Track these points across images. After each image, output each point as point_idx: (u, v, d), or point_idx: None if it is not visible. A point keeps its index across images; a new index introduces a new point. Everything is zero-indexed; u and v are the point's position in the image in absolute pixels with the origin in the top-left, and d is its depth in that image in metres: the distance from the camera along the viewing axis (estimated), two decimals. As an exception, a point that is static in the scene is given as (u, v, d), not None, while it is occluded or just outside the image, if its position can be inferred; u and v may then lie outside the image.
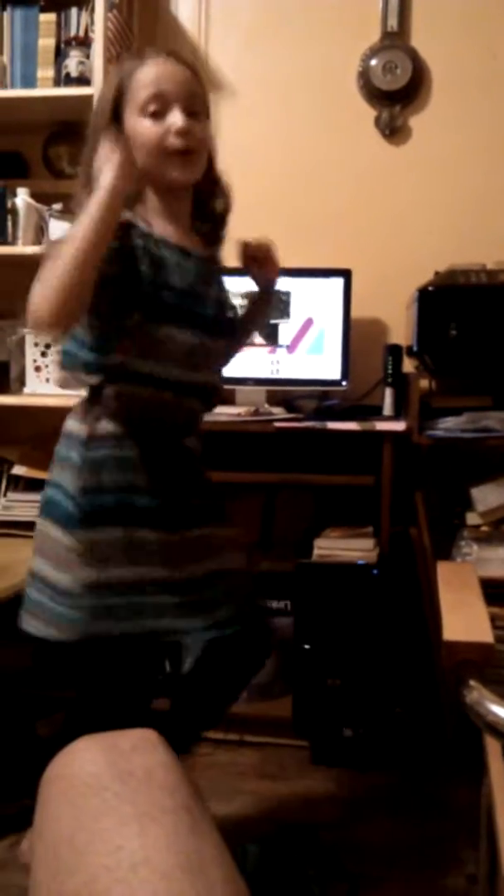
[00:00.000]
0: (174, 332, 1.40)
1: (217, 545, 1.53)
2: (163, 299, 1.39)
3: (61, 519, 1.43)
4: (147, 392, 1.43)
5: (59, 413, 2.02)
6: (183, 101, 1.37)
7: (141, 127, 1.38)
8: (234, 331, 1.59)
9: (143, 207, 1.45)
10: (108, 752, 0.76)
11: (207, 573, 1.49)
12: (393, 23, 2.43)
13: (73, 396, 1.62)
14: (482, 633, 1.09)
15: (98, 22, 2.23)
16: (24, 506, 2.34)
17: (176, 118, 1.36)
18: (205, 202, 1.51)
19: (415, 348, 2.12)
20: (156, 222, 1.43)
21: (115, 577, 1.40)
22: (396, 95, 2.44)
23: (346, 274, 2.32)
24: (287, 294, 2.31)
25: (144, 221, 1.42)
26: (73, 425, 1.48)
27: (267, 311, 1.74)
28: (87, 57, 2.30)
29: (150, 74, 1.37)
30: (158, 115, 1.37)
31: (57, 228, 2.37)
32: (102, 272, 1.28)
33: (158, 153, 1.38)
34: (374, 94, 2.46)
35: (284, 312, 2.32)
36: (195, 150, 1.39)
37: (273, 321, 2.30)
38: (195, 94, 1.39)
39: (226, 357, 1.60)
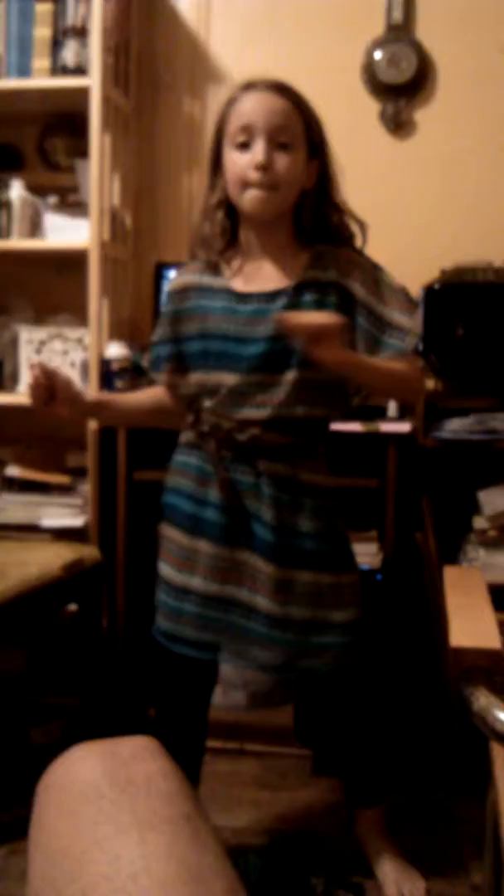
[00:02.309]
0: (201, 376, 1.47)
1: (308, 591, 1.48)
2: (192, 348, 1.48)
3: None
4: (194, 414, 1.50)
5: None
6: (269, 133, 1.36)
7: (229, 159, 1.40)
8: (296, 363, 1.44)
9: (237, 243, 1.49)
10: (107, 760, 0.75)
11: (281, 616, 1.46)
12: (397, 15, 2.39)
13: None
14: (489, 639, 1.07)
15: (95, 12, 2.18)
16: (17, 507, 2.30)
17: (257, 150, 1.36)
18: (313, 228, 1.48)
19: (420, 348, 2.08)
20: (241, 260, 1.48)
21: (165, 574, 1.54)
22: (401, 89, 2.40)
23: (349, 271, 2.27)
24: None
25: (207, 266, 1.49)
26: None
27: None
28: (84, 47, 2.26)
29: (243, 106, 1.39)
30: (245, 147, 1.38)
31: (52, 222, 2.33)
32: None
33: (240, 185, 1.39)
34: (379, 88, 2.42)
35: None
36: (273, 185, 1.37)
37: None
38: (285, 126, 1.37)
39: (294, 389, 1.43)
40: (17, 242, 2.30)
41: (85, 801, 0.69)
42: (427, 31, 2.39)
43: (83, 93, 2.19)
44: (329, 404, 1.47)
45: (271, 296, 1.42)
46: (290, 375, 1.41)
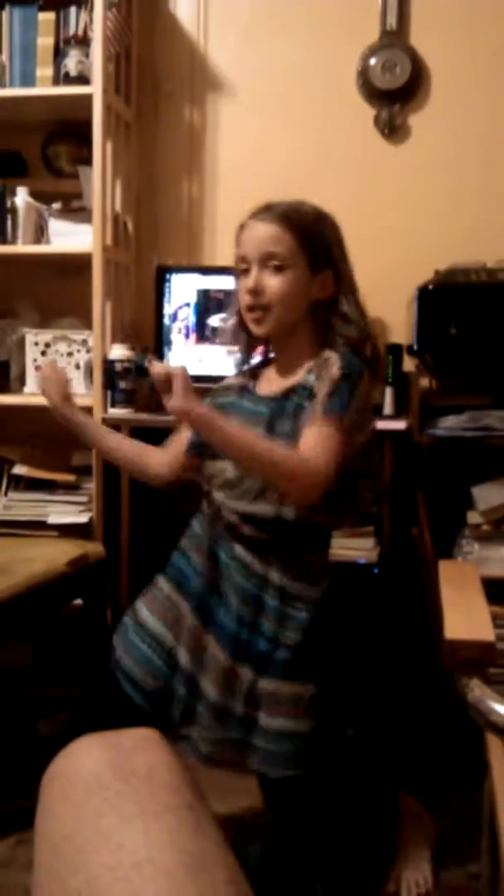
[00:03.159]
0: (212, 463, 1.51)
1: (247, 691, 1.45)
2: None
3: None
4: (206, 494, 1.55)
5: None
6: (258, 260, 1.46)
7: (236, 286, 1.52)
8: None
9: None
10: (110, 751, 0.75)
11: (221, 707, 1.46)
12: (392, 21, 2.43)
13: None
14: (484, 631, 1.09)
15: (97, 21, 2.22)
16: (24, 505, 2.34)
17: (248, 278, 1.47)
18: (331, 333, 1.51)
19: (415, 347, 2.12)
20: (273, 365, 1.58)
21: (144, 618, 1.56)
22: (395, 94, 2.44)
23: (346, 273, 2.31)
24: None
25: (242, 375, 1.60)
26: None
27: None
28: (87, 56, 2.30)
29: (242, 236, 1.50)
30: (246, 273, 1.48)
31: (56, 228, 2.37)
32: None
33: (243, 309, 1.50)
34: (373, 93, 2.45)
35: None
36: (264, 306, 1.46)
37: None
38: (274, 252, 1.44)
39: (264, 489, 1.45)
40: (23, 248, 2.35)
41: (89, 791, 0.69)
42: (421, 37, 2.43)
43: (86, 101, 2.24)
44: (314, 511, 1.42)
45: (267, 399, 1.50)
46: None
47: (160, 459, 1.61)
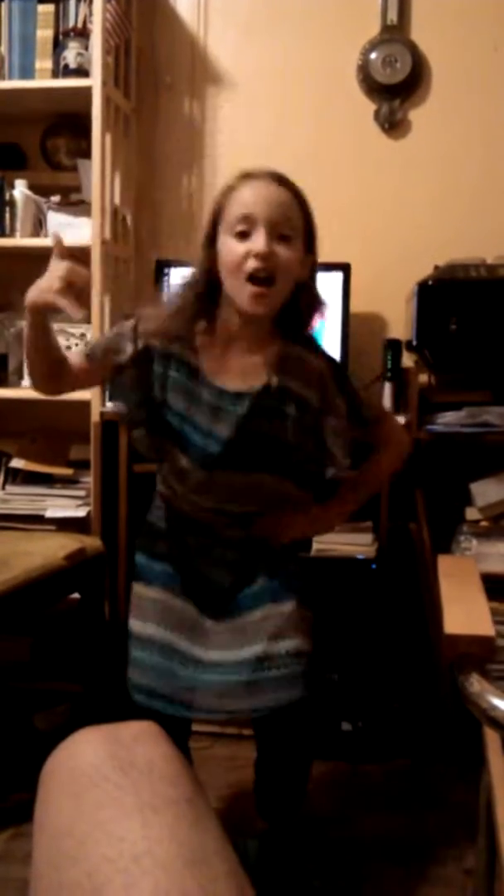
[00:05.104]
0: (176, 452, 1.46)
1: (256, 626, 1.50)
2: (167, 420, 1.45)
3: None
4: (166, 482, 1.54)
5: (57, 407, 2.03)
6: (270, 223, 1.32)
7: (226, 247, 1.35)
8: (272, 466, 1.46)
9: (212, 326, 1.43)
10: (110, 744, 0.74)
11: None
12: (392, 16, 2.42)
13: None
14: (483, 626, 1.09)
15: (96, 13, 2.22)
16: (22, 499, 2.34)
17: (258, 239, 1.31)
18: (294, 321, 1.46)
19: (414, 343, 2.12)
20: (217, 344, 1.43)
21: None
22: (396, 89, 2.43)
23: (345, 268, 2.31)
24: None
25: (188, 347, 1.42)
26: None
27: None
28: (86, 48, 2.29)
29: (244, 195, 1.34)
30: (245, 236, 1.33)
31: (55, 221, 2.37)
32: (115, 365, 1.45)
33: (237, 275, 1.33)
34: (374, 88, 2.45)
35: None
36: (273, 275, 1.32)
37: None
38: (287, 218, 1.33)
39: (262, 491, 1.48)
40: (21, 241, 2.34)
41: (88, 784, 0.69)
42: (421, 32, 2.42)
43: (85, 93, 2.23)
44: (289, 498, 1.51)
45: (237, 395, 1.41)
46: (241, 478, 1.44)
47: (81, 369, 1.50)
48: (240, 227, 1.33)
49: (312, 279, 1.44)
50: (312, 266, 1.43)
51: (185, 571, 1.53)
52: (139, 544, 1.59)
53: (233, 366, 1.43)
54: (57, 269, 1.36)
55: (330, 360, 1.48)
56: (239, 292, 1.34)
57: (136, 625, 1.55)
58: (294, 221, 1.35)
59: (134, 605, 1.57)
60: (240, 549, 1.51)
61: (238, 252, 1.32)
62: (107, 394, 2.30)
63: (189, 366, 1.43)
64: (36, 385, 1.52)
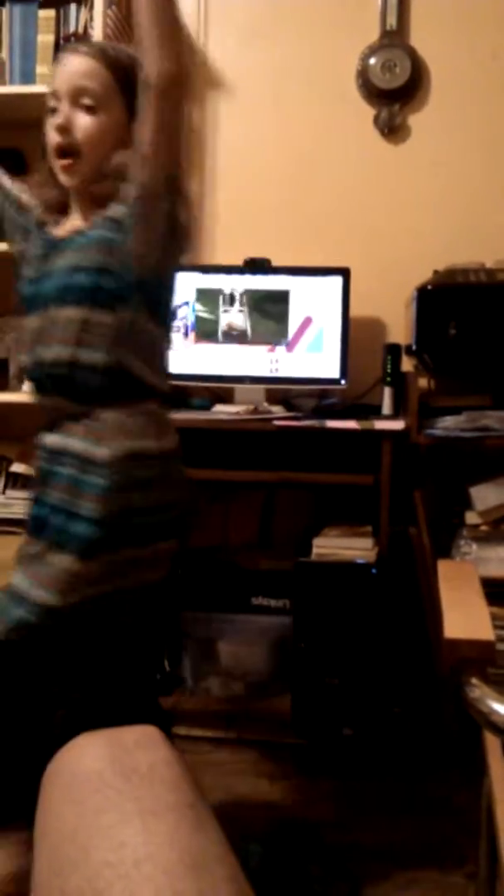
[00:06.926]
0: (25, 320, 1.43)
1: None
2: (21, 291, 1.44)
3: None
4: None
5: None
6: (70, 95, 1.32)
7: (45, 126, 1.37)
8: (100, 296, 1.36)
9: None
10: (111, 748, 0.75)
11: None
12: (392, 21, 2.43)
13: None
14: (483, 630, 1.09)
15: (97, 18, 2.23)
16: (22, 503, 2.33)
17: (58, 114, 1.33)
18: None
19: (414, 347, 2.12)
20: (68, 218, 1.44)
21: None
22: (395, 94, 2.44)
23: (345, 273, 2.32)
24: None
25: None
26: None
27: None
28: (87, 54, 2.30)
29: (56, 71, 1.35)
30: (54, 112, 1.34)
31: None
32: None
33: (52, 151, 1.36)
34: (373, 93, 2.46)
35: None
36: (75, 146, 1.33)
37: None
38: (86, 87, 1.31)
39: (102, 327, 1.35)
40: (21, 245, 2.35)
41: (90, 789, 0.69)
42: (421, 37, 2.43)
43: (85, 99, 2.23)
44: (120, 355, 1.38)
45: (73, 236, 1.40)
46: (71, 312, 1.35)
47: None
48: (50, 104, 1.35)
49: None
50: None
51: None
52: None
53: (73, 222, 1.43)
54: None
55: None
56: (55, 166, 1.37)
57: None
58: (99, 90, 1.32)
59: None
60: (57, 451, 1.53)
61: (49, 129, 1.35)
62: None
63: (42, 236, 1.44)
64: None
